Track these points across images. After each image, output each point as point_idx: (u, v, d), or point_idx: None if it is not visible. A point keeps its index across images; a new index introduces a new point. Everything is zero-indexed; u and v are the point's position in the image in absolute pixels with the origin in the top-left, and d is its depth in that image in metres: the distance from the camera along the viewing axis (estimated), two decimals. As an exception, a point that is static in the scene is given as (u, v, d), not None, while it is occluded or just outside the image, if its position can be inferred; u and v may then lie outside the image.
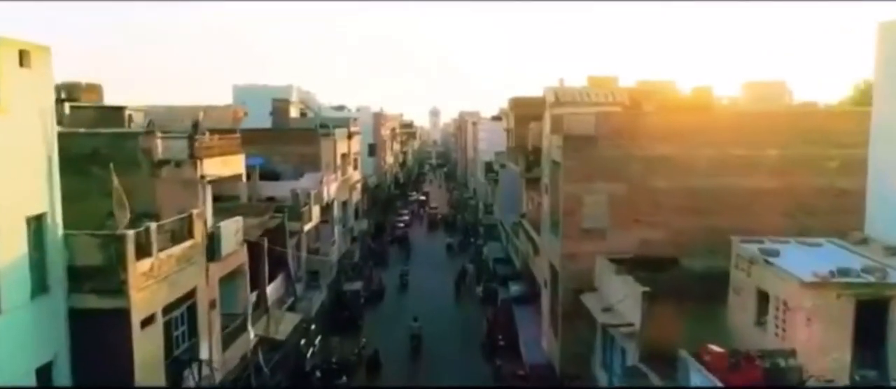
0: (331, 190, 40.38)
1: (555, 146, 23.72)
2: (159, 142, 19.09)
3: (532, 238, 30.88)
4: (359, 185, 51.87)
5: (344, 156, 45.13)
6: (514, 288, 36.40)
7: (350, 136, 47.93)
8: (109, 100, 43.33)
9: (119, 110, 43.67)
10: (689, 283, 20.12)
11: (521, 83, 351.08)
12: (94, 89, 55.66)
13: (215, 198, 35.40)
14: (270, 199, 36.55)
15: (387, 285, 49.43)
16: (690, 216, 22.75)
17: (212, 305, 20.00)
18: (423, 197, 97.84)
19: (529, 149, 38.51)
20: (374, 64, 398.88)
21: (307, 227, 35.37)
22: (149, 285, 15.86)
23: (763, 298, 16.08)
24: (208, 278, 19.67)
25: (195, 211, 18.50)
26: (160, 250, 16.71)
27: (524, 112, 47.50)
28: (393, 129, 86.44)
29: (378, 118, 69.97)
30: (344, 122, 49.15)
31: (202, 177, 19.06)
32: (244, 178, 22.97)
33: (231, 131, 23.66)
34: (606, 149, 22.44)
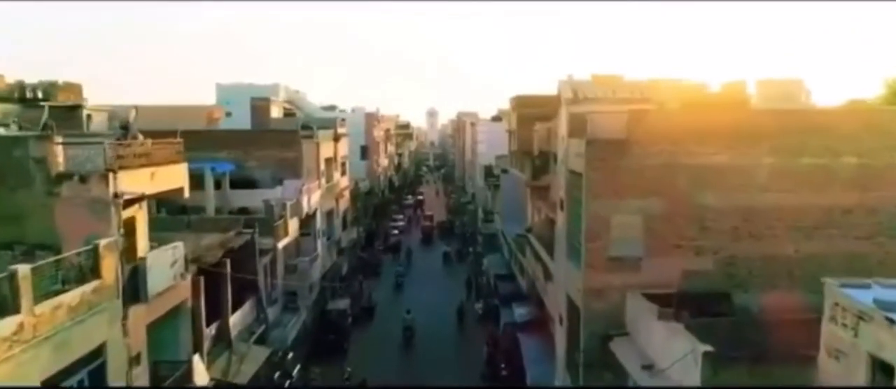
0: (312, 199, 35.50)
1: (574, 153, 18.87)
2: (60, 149, 14.19)
3: (541, 259, 26.00)
4: (347, 192, 47.00)
5: (329, 160, 40.25)
6: (520, 312, 31.54)
7: (336, 138, 43.03)
8: (99, 100, 38.36)
9: (74, 109, 38.74)
10: (751, 330, 15.38)
11: (520, 84, 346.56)
12: (73, 88, 51.32)
13: (180, 210, 30.84)
14: (243, 211, 31.78)
15: (378, 301, 44.56)
16: (745, 240, 17.92)
17: (134, 361, 15.14)
18: (421, 197, 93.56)
19: (535, 153, 33.72)
20: (372, 64, 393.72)
21: (282, 243, 30.50)
22: (14, 355, 11.01)
23: (885, 371, 11.25)
24: (128, 327, 14.81)
25: (103, 242, 13.61)
26: (43, 298, 11.91)
27: (528, 112, 42.67)
28: (387, 130, 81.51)
29: (370, 119, 64.99)
30: (330, 123, 44.24)
31: (116, 195, 14.17)
32: (185, 192, 18.03)
33: (173, 134, 18.64)
34: (641, 157, 17.58)
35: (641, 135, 17.55)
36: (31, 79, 45.18)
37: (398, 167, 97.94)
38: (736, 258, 17.90)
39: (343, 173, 46.07)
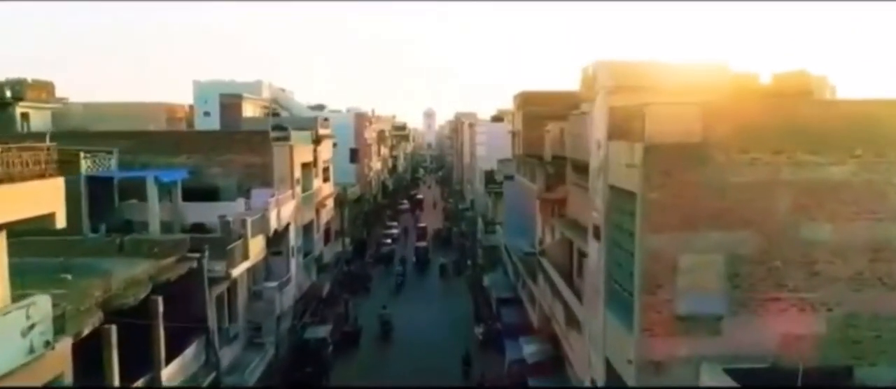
0: (284, 211, 29.64)
1: (621, 163, 13.05)
2: None
3: (561, 295, 20.14)
4: (331, 200, 41.14)
5: (307, 165, 34.38)
6: (530, 350, 25.72)
7: (318, 141, 37.18)
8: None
9: (6, 107, 32.99)
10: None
11: (519, 84, 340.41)
12: (44, 87, 46.02)
13: (122, 228, 25.16)
14: (198, 228, 25.97)
15: (365, 323, 38.61)
16: (873, 290, 12.13)
17: None
18: (421, 196, 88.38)
19: (547, 158, 27.97)
20: (369, 64, 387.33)
21: (242, 268, 24.63)
22: None
23: None
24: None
25: None
26: None
27: (535, 110, 36.93)
28: (380, 132, 75.63)
29: (360, 119, 58.97)
30: (310, 123, 38.42)
31: None
32: (60, 220, 12.12)
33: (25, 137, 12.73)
34: (724, 170, 11.77)
35: (725, 137, 11.74)
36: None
37: (393, 170, 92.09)
38: (859, 316, 12.10)
39: (326, 179, 40.21)
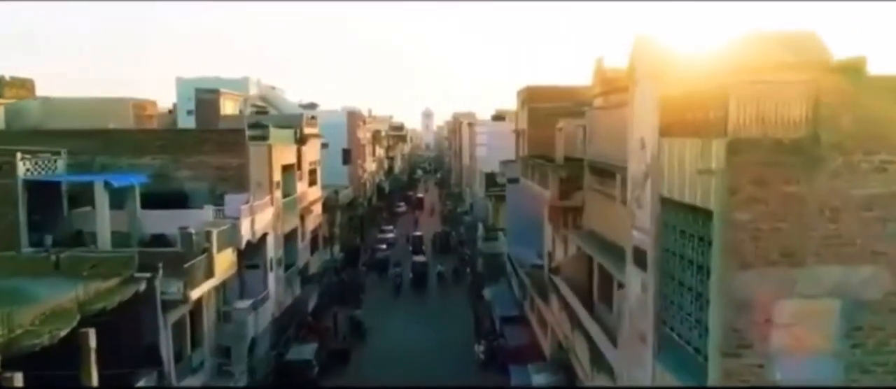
0: (260, 220, 25.93)
1: (683, 167, 9.36)
2: None
3: (583, 327, 16.39)
4: (318, 205, 37.40)
5: (288, 167, 30.65)
6: (540, 380, 22.06)
7: (302, 140, 33.44)
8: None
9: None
10: None
11: (519, 84, 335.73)
12: (23, 84, 43.30)
13: (72, 240, 21.59)
14: (159, 240, 22.35)
15: (355, 341, 34.91)
16: None
17: None
18: (420, 194, 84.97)
19: (559, 160, 24.27)
20: (367, 65, 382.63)
21: (202, 291, 20.86)
22: None
23: None
24: None
25: None
26: None
27: (543, 107, 33.33)
28: (376, 132, 71.85)
29: (353, 118, 55.13)
30: (294, 121, 34.68)
31: None
32: None
33: None
34: (845, 178, 8.11)
35: (844, 133, 8.03)
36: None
37: (390, 171, 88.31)
38: None
39: (313, 182, 36.46)
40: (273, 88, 61.55)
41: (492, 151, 51.44)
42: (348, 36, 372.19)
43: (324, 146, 53.14)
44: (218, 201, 26.19)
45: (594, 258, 17.33)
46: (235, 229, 23.27)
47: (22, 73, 38.86)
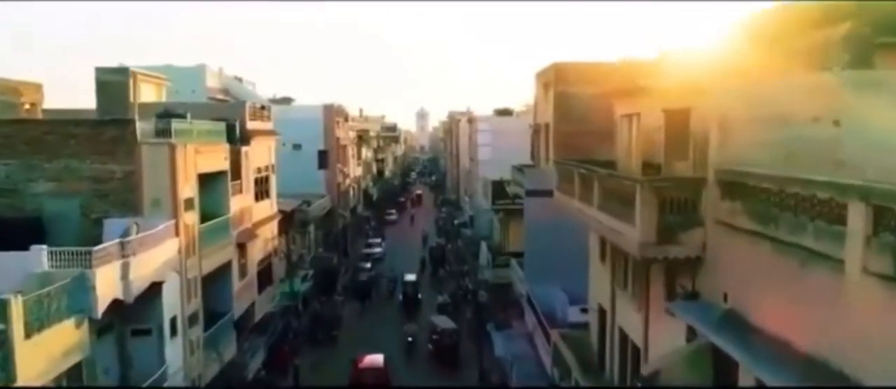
0: (144, 263, 16.06)
1: None
2: None
3: None
4: (272, 225, 27.56)
5: (213, 176, 20.79)
6: None
7: (244, 139, 23.66)
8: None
9: None
10: None
11: (519, 85, 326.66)
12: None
13: None
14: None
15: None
16: None
17: None
18: (419, 191, 75.43)
19: (635, 170, 14.49)
20: (362, 64, 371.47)
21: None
22: None
23: None
24: None
25: None
26: None
27: (578, 91, 23.67)
28: (361, 131, 61.90)
29: (330, 113, 45.09)
30: (232, 112, 24.82)
31: None
32: None
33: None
34: None
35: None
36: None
37: (379, 176, 78.34)
38: None
39: (264, 196, 26.64)
40: (239, 79, 51.66)
41: (497, 152, 41.88)
42: (340, 34, 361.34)
43: (296, 147, 43.39)
44: (95, 227, 16.77)
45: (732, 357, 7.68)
46: (83, 286, 13.39)
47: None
